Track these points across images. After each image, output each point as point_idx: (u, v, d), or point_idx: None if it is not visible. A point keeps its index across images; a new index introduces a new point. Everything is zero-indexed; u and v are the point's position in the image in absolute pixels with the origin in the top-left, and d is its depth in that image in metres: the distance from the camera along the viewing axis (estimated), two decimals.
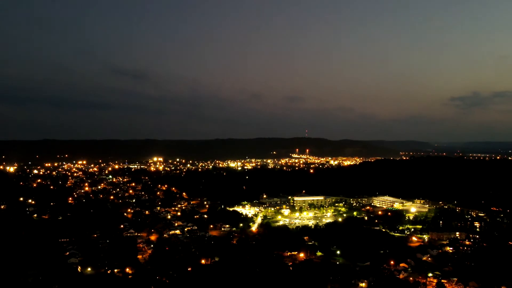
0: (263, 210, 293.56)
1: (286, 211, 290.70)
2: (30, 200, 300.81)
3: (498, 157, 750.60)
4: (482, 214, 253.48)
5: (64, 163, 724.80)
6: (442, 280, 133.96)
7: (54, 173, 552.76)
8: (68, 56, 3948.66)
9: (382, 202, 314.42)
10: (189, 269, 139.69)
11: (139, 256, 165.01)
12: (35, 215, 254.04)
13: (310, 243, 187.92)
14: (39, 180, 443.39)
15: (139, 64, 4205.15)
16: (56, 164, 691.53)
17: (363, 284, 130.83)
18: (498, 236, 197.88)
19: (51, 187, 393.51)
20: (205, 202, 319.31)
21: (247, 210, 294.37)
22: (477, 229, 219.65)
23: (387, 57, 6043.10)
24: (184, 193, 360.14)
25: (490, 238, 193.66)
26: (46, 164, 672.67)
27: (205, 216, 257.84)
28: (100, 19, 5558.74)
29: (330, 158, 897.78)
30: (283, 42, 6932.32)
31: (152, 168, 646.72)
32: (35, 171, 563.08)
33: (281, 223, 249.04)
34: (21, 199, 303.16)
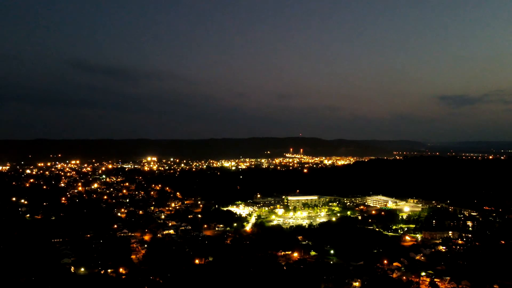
0: (257, 209, 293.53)
1: (280, 211, 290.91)
2: (22, 200, 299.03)
3: (490, 157, 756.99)
4: (475, 214, 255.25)
5: (57, 163, 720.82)
6: (435, 279, 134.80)
7: (47, 173, 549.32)
8: (29, 51, 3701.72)
9: (376, 201, 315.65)
10: (183, 269, 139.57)
11: (133, 256, 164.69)
12: (28, 215, 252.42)
13: (304, 243, 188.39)
14: (31, 180, 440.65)
15: (113, 60, 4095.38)
16: (49, 164, 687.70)
17: (356, 284, 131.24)
18: (490, 235, 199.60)
19: (44, 187, 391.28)
20: (199, 202, 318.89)
21: (241, 209, 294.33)
22: (470, 228, 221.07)
23: (376, 55, 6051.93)
24: (178, 193, 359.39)
25: (482, 237, 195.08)
26: (39, 164, 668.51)
27: (199, 216, 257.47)
28: (63, 11, 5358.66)
29: (324, 158, 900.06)
30: (271, 41, 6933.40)
31: (146, 168, 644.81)
32: (28, 171, 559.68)
33: (275, 222, 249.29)
34: (14, 199, 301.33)
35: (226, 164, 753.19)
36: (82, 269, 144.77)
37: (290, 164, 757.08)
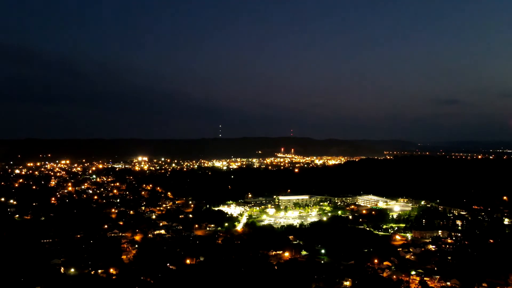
0: (248, 209, 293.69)
1: (271, 211, 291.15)
2: (11, 201, 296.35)
3: (479, 157, 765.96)
4: (464, 213, 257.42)
5: (46, 162, 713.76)
6: (425, 278, 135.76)
7: (36, 173, 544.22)
8: None
9: (367, 201, 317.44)
10: (174, 269, 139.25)
11: (124, 257, 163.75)
12: (17, 215, 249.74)
13: (295, 242, 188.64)
14: (21, 180, 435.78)
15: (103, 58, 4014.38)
16: (38, 164, 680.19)
17: (347, 283, 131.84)
18: (479, 234, 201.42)
19: (34, 187, 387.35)
20: (190, 202, 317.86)
21: (232, 209, 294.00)
22: (459, 227, 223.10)
23: (367, 56, 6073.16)
24: (169, 193, 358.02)
25: (471, 236, 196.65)
26: (29, 164, 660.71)
27: (190, 215, 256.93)
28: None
29: (315, 158, 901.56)
30: (263, 40, 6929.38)
31: (137, 168, 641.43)
32: (17, 171, 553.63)
33: (266, 222, 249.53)
34: (2, 199, 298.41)
35: (218, 164, 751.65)
36: (72, 270, 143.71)
37: (281, 164, 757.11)
